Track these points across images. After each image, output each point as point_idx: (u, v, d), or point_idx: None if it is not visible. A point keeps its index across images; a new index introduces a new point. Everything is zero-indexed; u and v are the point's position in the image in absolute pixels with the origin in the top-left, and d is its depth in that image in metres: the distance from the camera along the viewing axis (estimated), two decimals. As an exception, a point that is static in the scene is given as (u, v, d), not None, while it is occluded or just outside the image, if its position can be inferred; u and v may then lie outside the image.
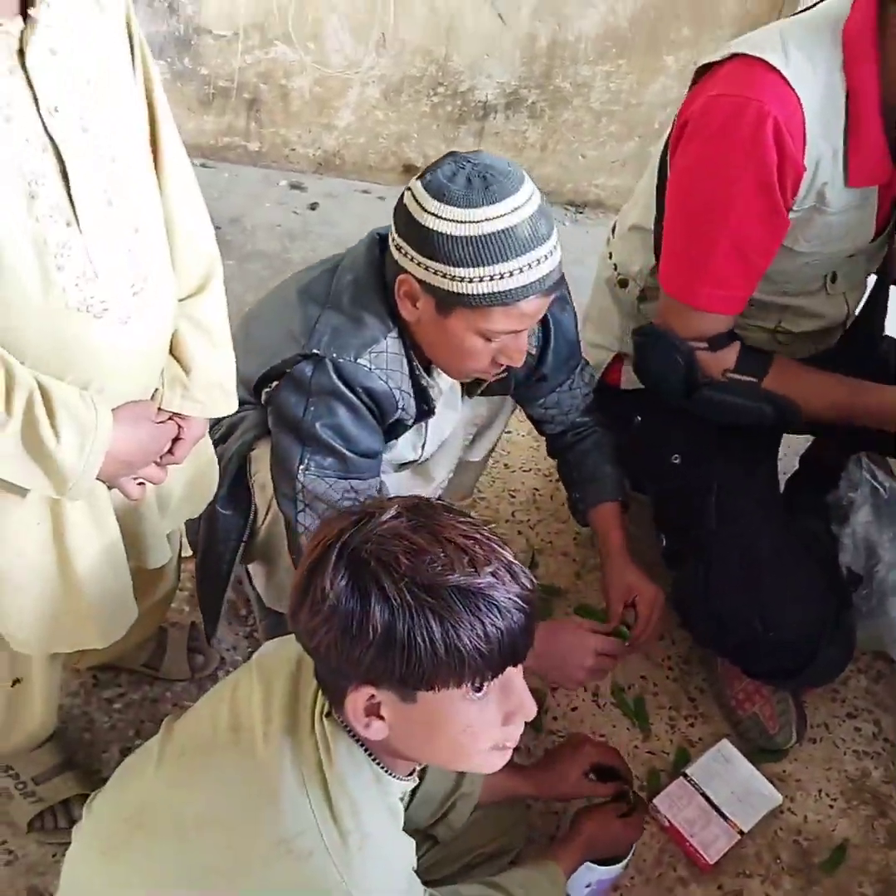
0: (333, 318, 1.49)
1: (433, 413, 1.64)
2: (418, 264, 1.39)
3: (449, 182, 1.35)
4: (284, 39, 3.02)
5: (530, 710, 1.05)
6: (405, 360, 1.53)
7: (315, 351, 1.46)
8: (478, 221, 1.34)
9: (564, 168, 3.34)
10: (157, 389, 1.26)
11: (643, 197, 1.81)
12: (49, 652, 1.41)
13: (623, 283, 1.88)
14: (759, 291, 1.70)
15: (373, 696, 1.00)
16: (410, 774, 1.16)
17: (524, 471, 2.40)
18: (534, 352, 1.68)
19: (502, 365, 1.52)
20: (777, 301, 1.77)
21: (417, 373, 1.56)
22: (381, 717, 1.02)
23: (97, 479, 1.17)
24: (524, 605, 1.00)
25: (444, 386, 1.64)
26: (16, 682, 1.47)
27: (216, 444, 1.63)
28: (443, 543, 0.98)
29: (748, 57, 1.52)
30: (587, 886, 1.61)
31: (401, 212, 1.42)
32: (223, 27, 3.01)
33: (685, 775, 1.80)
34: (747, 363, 1.74)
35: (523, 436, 2.45)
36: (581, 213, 3.42)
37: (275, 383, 1.53)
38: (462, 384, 1.71)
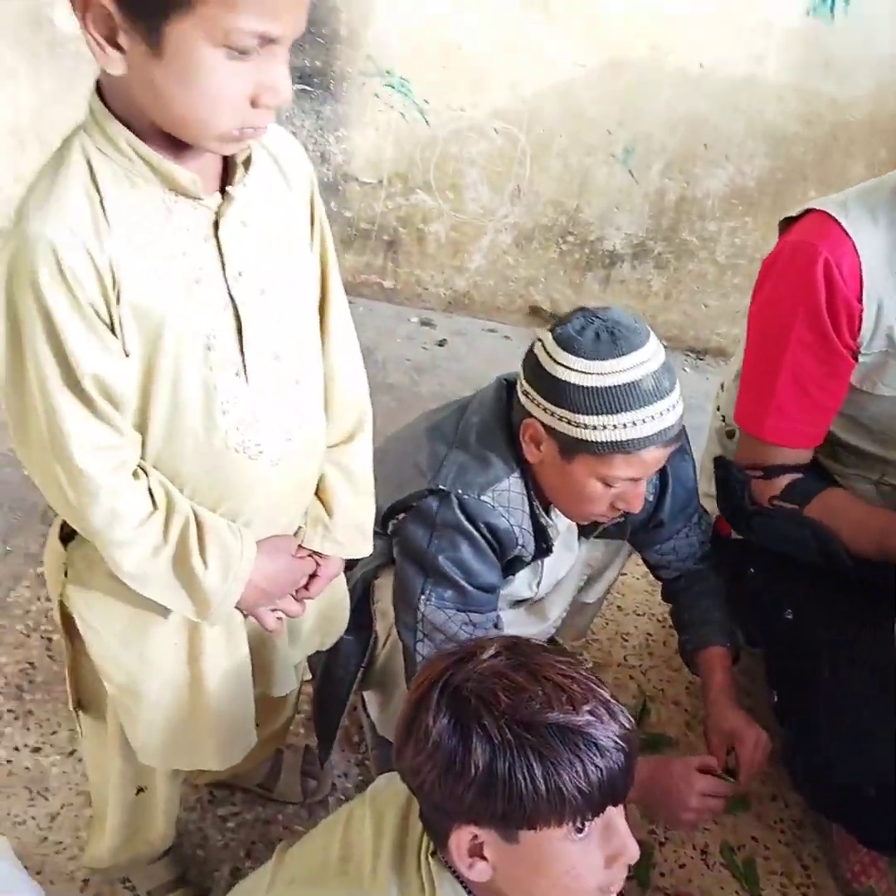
0: (460, 456, 1.56)
1: (551, 552, 1.68)
2: (544, 410, 1.47)
3: (578, 335, 1.43)
4: (425, 188, 3.21)
5: (633, 852, 1.05)
6: (526, 500, 1.58)
7: (441, 486, 1.53)
8: (604, 373, 1.41)
9: (687, 316, 3.42)
10: (300, 527, 1.34)
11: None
12: (171, 768, 1.47)
13: (730, 435, 1.93)
14: (858, 440, 1.75)
15: (476, 836, 1.02)
16: None
17: (638, 614, 2.40)
18: (651, 498, 1.72)
19: (620, 510, 1.57)
20: (877, 452, 1.79)
21: (537, 512, 1.61)
22: (485, 858, 1.03)
23: (236, 606, 1.25)
24: (623, 744, 1.01)
25: (562, 527, 1.69)
26: (140, 790, 1.53)
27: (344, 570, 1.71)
28: (541, 682, 1.00)
29: (816, 211, 1.67)
30: None
31: (530, 360, 1.50)
32: (369, 175, 3.22)
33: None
34: (793, 491, 1.77)
35: (638, 579, 2.46)
36: (702, 359, 3.48)
37: (401, 515, 1.59)
38: (579, 526, 1.75)
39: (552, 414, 1.46)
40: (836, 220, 1.62)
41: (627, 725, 1.03)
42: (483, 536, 1.54)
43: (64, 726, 1.97)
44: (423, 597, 1.55)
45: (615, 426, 1.42)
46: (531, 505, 1.59)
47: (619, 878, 1.06)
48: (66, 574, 1.28)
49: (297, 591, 1.35)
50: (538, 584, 1.75)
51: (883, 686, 1.73)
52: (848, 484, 1.82)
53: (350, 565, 1.71)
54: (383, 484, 1.60)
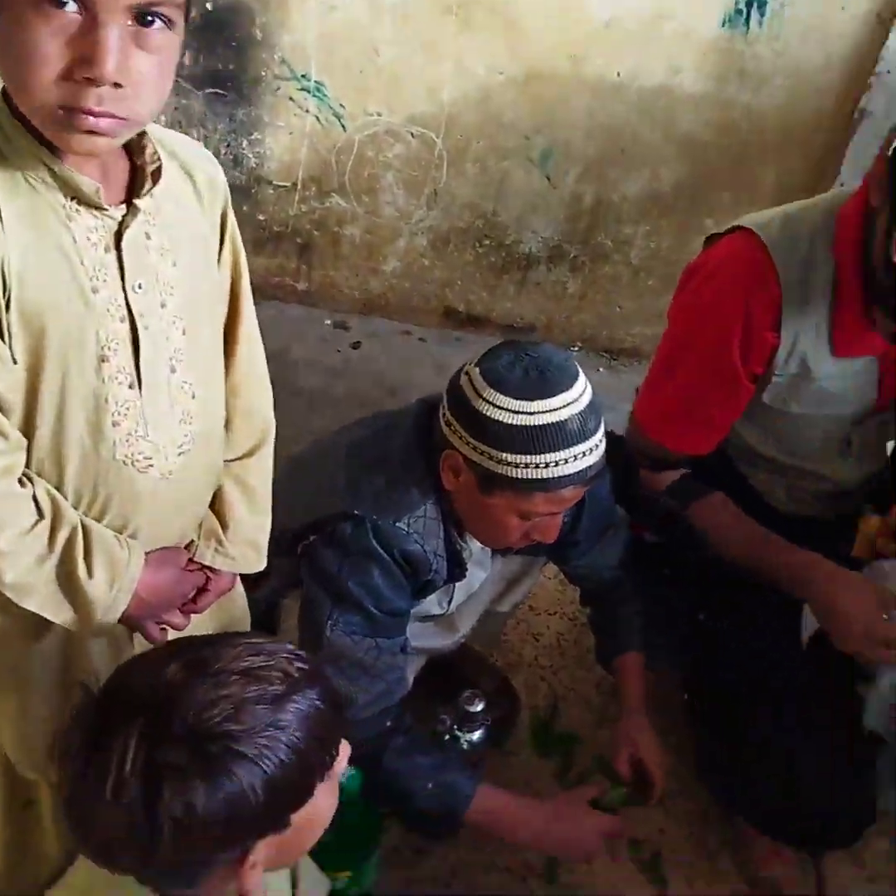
0: (377, 481, 1.56)
1: (464, 576, 1.69)
2: (467, 443, 1.46)
3: (506, 372, 1.43)
4: (340, 192, 3.20)
5: None
6: (442, 526, 1.58)
7: (356, 511, 1.52)
8: (531, 413, 1.41)
9: (601, 317, 3.46)
10: (192, 540, 1.33)
11: None
12: (53, 778, 1.43)
13: None
14: (769, 450, 1.79)
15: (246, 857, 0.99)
16: None
17: (549, 614, 2.41)
18: (567, 519, 1.69)
19: (534, 540, 1.58)
20: (787, 461, 1.82)
21: (453, 539, 1.61)
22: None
23: (121, 620, 1.22)
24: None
25: (475, 548, 1.69)
26: (27, 804, 1.48)
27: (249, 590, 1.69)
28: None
29: (745, 229, 1.66)
30: None
31: (454, 392, 1.49)
32: (283, 179, 3.21)
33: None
34: (676, 490, 1.82)
35: (550, 579, 2.46)
36: (615, 360, 3.52)
37: (312, 537, 1.58)
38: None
39: (474, 448, 1.46)
40: (762, 245, 1.61)
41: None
42: (396, 562, 1.54)
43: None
44: (329, 622, 1.53)
45: (538, 465, 1.43)
46: (447, 531, 1.59)
47: None
48: None
49: (184, 605, 1.33)
50: (449, 601, 1.76)
51: (793, 684, 1.77)
52: (762, 487, 1.86)
53: (255, 585, 1.69)
54: (295, 502, 1.61)
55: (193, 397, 1.22)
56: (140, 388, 1.14)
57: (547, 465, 1.43)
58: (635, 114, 3.04)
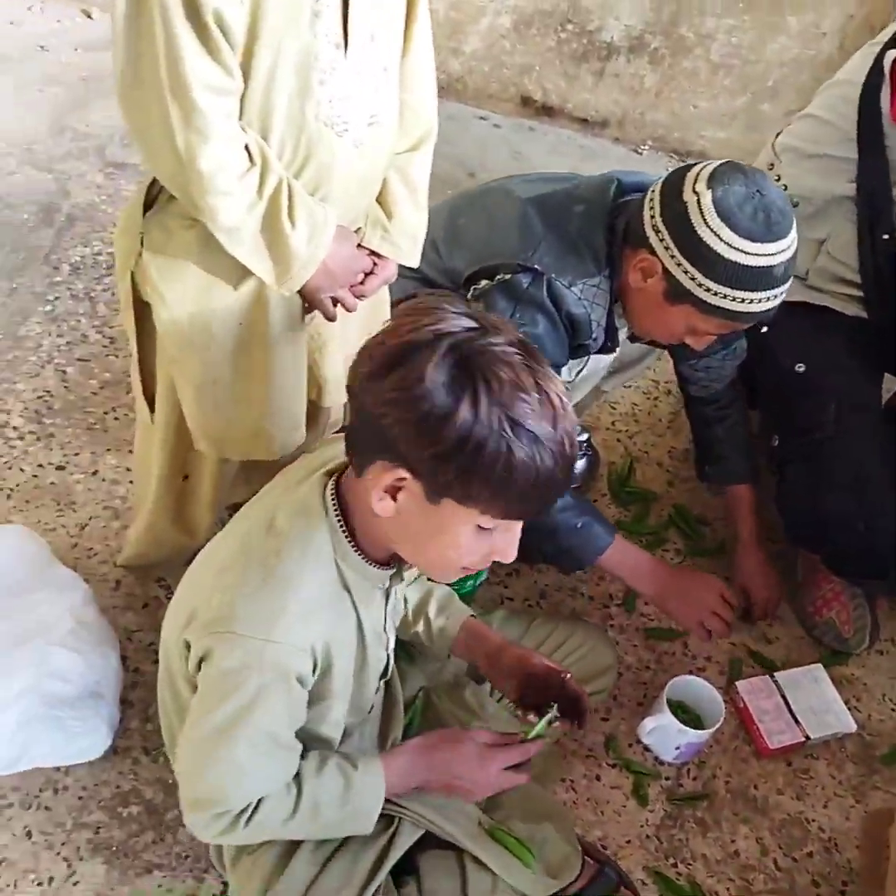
0: (557, 242, 1.62)
1: (615, 350, 1.78)
2: (673, 258, 1.53)
3: (738, 208, 1.48)
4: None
5: (510, 556, 1.14)
6: (609, 299, 1.66)
7: (536, 267, 1.60)
8: (751, 254, 1.48)
9: (675, 116, 3.43)
10: (360, 228, 1.41)
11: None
12: (223, 455, 1.53)
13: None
14: None
15: (403, 479, 1.05)
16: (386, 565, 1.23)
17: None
18: None
19: (684, 344, 1.67)
20: None
21: (614, 314, 1.69)
22: (395, 500, 1.07)
23: (300, 292, 1.32)
24: (565, 473, 1.06)
25: (624, 331, 1.78)
26: (185, 477, 1.61)
27: None
28: (540, 391, 1.02)
29: None
30: (677, 748, 1.76)
31: (675, 208, 1.52)
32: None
33: (772, 676, 1.92)
34: None
35: (623, 357, 2.55)
36: (684, 162, 3.51)
37: (484, 282, 1.65)
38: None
39: (680, 266, 1.52)
40: None
41: (576, 482, 1.10)
42: (562, 321, 1.63)
43: (86, 449, 2.05)
44: None
45: (735, 299, 1.51)
46: (611, 306, 1.68)
47: (484, 567, 1.20)
48: (141, 243, 1.34)
49: (352, 287, 1.42)
50: (580, 372, 1.83)
51: (879, 434, 1.89)
52: None
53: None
54: (465, 245, 1.70)
55: (385, 70, 1.29)
56: (346, 50, 1.21)
57: (743, 301, 1.51)
58: None
